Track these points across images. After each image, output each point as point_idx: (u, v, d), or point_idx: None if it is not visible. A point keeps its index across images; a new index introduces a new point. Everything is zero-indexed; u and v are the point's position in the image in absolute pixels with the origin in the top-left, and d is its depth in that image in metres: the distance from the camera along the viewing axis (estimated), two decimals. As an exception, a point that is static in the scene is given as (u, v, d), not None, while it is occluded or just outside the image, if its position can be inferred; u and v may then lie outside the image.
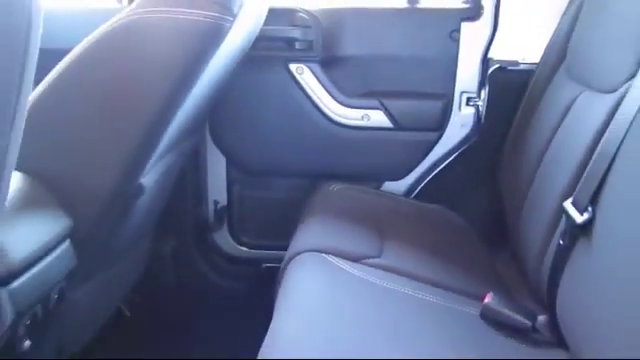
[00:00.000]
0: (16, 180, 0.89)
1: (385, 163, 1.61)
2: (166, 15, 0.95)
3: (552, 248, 1.00)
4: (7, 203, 0.78)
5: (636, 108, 0.86)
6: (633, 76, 0.92)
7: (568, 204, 0.94)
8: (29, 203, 0.87)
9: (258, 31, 1.38)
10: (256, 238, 1.72)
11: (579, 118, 1.08)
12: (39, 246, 0.86)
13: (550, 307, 0.99)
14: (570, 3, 1.32)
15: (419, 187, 1.63)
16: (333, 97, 1.58)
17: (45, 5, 0.61)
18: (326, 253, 1.10)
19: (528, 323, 0.98)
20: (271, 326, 0.90)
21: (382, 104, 1.57)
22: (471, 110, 1.57)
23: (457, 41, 1.53)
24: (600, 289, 0.84)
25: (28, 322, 0.87)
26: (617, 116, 0.91)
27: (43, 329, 0.94)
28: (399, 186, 1.62)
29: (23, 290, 0.82)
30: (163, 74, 0.96)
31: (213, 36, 0.99)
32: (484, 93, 1.55)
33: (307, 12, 1.55)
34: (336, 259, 1.09)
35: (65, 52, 0.97)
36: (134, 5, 0.95)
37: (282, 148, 1.63)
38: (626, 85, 0.94)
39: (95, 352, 1.29)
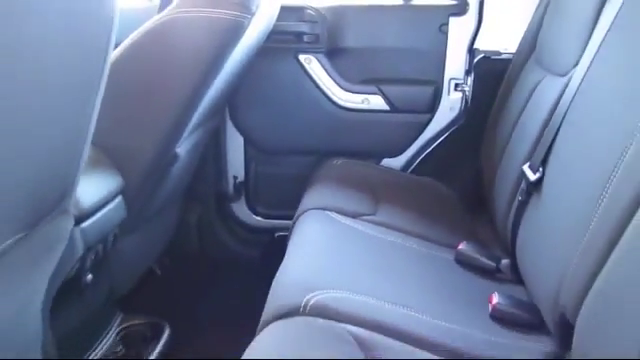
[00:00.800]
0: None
1: (383, 141, 1.79)
2: (196, 14, 1.15)
3: (514, 205, 1.20)
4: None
5: (576, 88, 1.06)
6: (578, 62, 1.12)
7: (526, 167, 1.14)
8: (93, 166, 1.09)
9: (271, 26, 1.57)
10: (269, 209, 1.91)
11: (540, 98, 1.26)
12: (100, 198, 1.08)
13: (512, 252, 1.19)
14: (541, 0, 1.50)
15: (414, 164, 1.80)
16: (337, 83, 1.76)
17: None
18: (329, 210, 1.31)
19: (493, 265, 1.19)
20: (282, 263, 1.10)
21: (380, 89, 1.75)
22: (459, 95, 1.74)
23: (446, 34, 1.70)
24: (547, 235, 1.03)
25: (92, 257, 1.10)
26: (564, 95, 1.11)
27: (101, 267, 1.17)
28: (396, 162, 1.80)
29: (90, 230, 1.04)
30: (195, 63, 1.17)
31: (234, 31, 1.19)
32: (470, 80, 1.73)
33: (314, 9, 1.73)
34: (337, 215, 1.30)
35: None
36: (173, 5, 1.15)
37: (292, 129, 1.80)
38: (573, 70, 1.13)
39: (132, 301, 1.50)
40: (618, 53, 0.98)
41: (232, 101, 1.78)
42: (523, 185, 1.15)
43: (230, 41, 1.20)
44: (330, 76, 1.76)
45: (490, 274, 1.20)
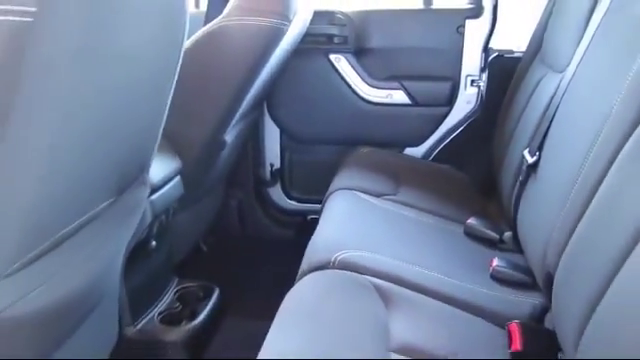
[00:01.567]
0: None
1: (405, 132, 1.96)
2: (244, 22, 1.34)
3: (517, 185, 1.37)
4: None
5: (567, 83, 1.23)
6: (571, 60, 1.28)
7: (525, 152, 1.31)
8: (158, 150, 1.29)
9: (305, 29, 1.76)
10: (303, 194, 2.10)
11: (541, 92, 1.41)
12: (164, 175, 1.30)
13: (513, 226, 1.36)
14: (549, 2, 1.63)
15: (434, 152, 1.97)
16: (364, 80, 1.93)
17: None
18: (356, 190, 1.50)
19: (496, 236, 1.36)
20: (315, 232, 1.29)
21: (402, 85, 1.91)
22: (474, 90, 1.90)
23: (462, 34, 1.85)
24: (541, 207, 1.19)
25: (157, 225, 1.31)
26: (558, 89, 1.27)
27: (162, 236, 1.39)
28: (417, 151, 1.97)
29: (157, 202, 1.26)
30: (242, 63, 1.37)
31: (275, 36, 1.37)
32: (485, 76, 1.88)
33: (343, 13, 1.90)
34: (363, 194, 1.48)
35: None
36: (225, 14, 1.35)
37: (324, 121, 1.98)
38: (567, 67, 1.28)
39: (185, 269, 1.68)
40: (602, 52, 1.13)
41: (270, 96, 1.97)
42: (523, 167, 1.32)
43: (272, 45, 1.39)
44: (357, 73, 1.93)
45: (494, 244, 1.36)
